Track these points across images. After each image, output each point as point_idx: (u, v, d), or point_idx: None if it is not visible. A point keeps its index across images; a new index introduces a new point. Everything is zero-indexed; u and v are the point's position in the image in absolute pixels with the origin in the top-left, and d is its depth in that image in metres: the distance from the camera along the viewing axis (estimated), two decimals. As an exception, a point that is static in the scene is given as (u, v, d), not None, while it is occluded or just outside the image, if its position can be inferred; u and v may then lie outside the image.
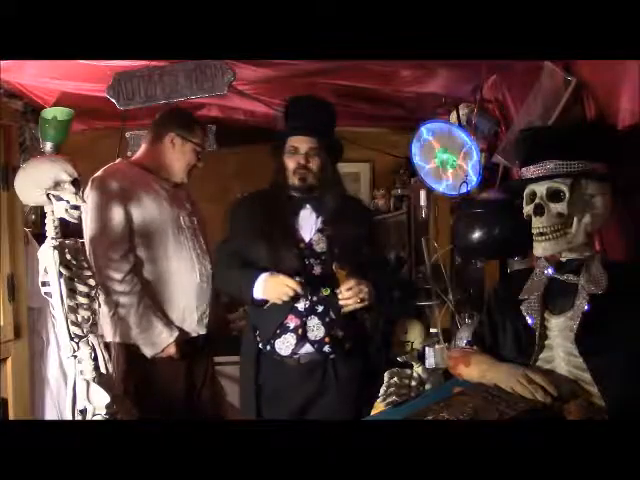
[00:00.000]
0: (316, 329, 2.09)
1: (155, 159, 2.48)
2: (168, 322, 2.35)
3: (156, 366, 2.37)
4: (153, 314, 2.32)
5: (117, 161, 2.54)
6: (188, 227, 2.44)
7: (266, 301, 2.08)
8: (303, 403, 2.14)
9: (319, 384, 2.13)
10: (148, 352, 2.32)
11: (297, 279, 2.01)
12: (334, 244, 2.13)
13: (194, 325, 2.43)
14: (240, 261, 2.16)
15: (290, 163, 2.15)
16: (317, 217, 2.18)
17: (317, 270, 2.13)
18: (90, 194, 2.30)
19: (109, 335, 2.32)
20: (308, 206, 2.18)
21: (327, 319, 2.10)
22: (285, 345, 2.09)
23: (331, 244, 2.14)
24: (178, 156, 2.46)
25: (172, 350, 2.34)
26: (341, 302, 2.03)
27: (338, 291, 2.02)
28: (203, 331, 2.46)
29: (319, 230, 2.16)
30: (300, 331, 2.08)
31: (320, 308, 2.10)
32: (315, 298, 2.10)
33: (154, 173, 2.47)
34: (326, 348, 2.10)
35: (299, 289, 1.99)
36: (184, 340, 2.39)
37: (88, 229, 2.31)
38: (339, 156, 2.26)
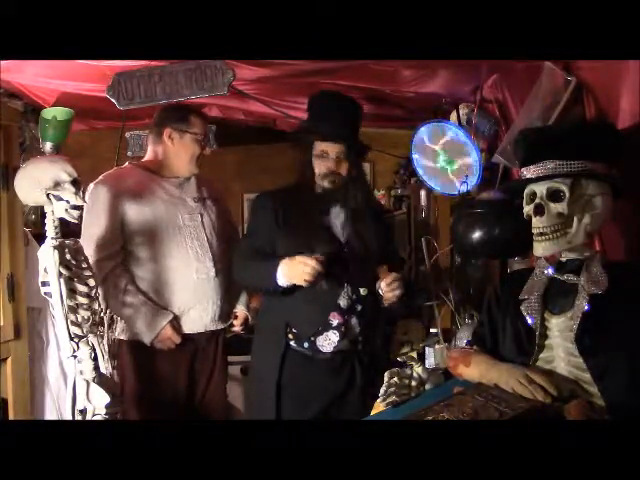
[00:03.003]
0: (355, 327, 2.13)
1: (158, 159, 2.51)
2: (160, 307, 2.37)
3: (156, 364, 2.39)
4: (143, 303, 2.34)
5: (125, 165, 2.57)
6: (187, 225, 2.44)
7: (292, 288, 2.06)
8: (331, 398, 2.16)
9: (347, 378, 2.17)
10: (146, 339, 2.34)
11: (316, 255, 2.00)
12: (369, 244, 2.16)
13: (194, 322, 2.43)
14: (261, 255, 2.13)
15: (320, 167, 2.16)
16: (347, 216, 2.19)
17: (355, 269, 2.15)
18: (87, 198, 2.33)
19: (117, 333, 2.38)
20: (337, 205, 2.19)
21: (364, 318, 2.15)
22: (327, 342, 2.11)
23: (366, 244, 2.16)
24: (179, 150, 2.48)
25: (169, 332, 2.35)
26: (385, 296, 2.06)
27: (378, 286, 2.06)
28: (204, 328, 2.46)
29: (353, 229, 2.18)
30: (343, 328, 2.11)
31: (359, 307, 2.14)
32: (355, 297, 2.13)
33: (158, 173, 2.49)
34: (359, 346, 2.16)
35: (318, 267, 1.97)
36: (185, 336, 2.41)
37: (82, 231, 2.37)
38: (365, 155, 2.29)
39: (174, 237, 2.41)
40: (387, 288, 2.04)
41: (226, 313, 2.54)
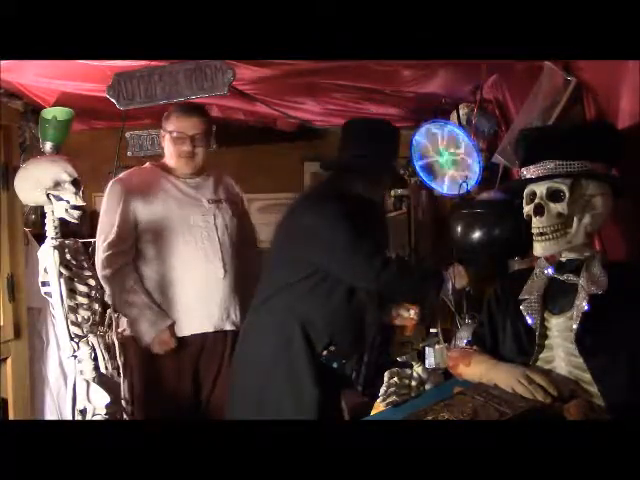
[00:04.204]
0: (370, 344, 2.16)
1: (167, 160, 2.55)
2: (161, 311, 2.38)
3: (160, 361, 2.40)
4: (146, 304, 2.36)
5: (145, 165, 2.61)
6: (199, 226, 2.45)
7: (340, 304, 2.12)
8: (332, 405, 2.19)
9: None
10: (143, 340, 2.36)
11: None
12: None
13: (199, 323, 2.43)
14: (409, 265, 2.25)
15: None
16: None
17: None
18: (105, 194, 2.46)
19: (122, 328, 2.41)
20: None
21: (380, 339, 2.18)
22: (350, 363, 2.12)
23: None
24: (168, 150, 2.51)
25: (166, 337, 2.36)
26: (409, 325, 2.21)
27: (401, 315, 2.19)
28: (209, 329, 2.45)
29: None
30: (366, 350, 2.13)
31: (382, 329, 2.18)
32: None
33: (174, 173, 2.52)
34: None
35: None
36: (190, 336, 2.42)
37: (98, 226, 2.45)
38: None
39: (184, 237, 2.43)
40: (416, 317, 2.14)
41: (234, 315, 2.51)
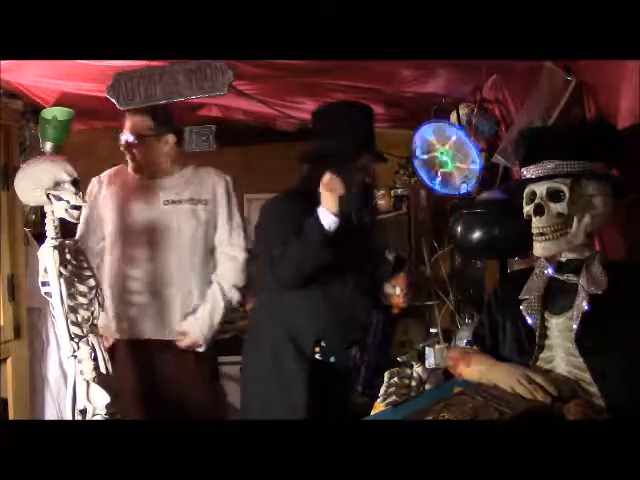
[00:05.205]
0: (368, 339, 2.14)
1: None
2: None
3: (121, 360, 2.41)
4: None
5: None
6: (148, 228, 2.42)
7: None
8: (339, 400, 2.19)
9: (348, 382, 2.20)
10: None
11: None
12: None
13: (143, 329, 2.43)
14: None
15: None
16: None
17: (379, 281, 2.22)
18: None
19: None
20: None
21: (377, 330, 2.15)
22: (349, 358, 2.12)
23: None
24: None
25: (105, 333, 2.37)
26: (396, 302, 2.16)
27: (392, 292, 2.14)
28: (151, 336, 2.43)
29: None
30: (362, 343, 2.13)
31: (376, 320, 2.15)
32: (375, 310, 2.17)
33: (146, 174, 2.50)
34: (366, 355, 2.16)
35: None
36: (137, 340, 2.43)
37: None
38: None
39: (137, 239, 2.43)
40: (402, 294, 2.10)
41: (179, 325, 2.44)
